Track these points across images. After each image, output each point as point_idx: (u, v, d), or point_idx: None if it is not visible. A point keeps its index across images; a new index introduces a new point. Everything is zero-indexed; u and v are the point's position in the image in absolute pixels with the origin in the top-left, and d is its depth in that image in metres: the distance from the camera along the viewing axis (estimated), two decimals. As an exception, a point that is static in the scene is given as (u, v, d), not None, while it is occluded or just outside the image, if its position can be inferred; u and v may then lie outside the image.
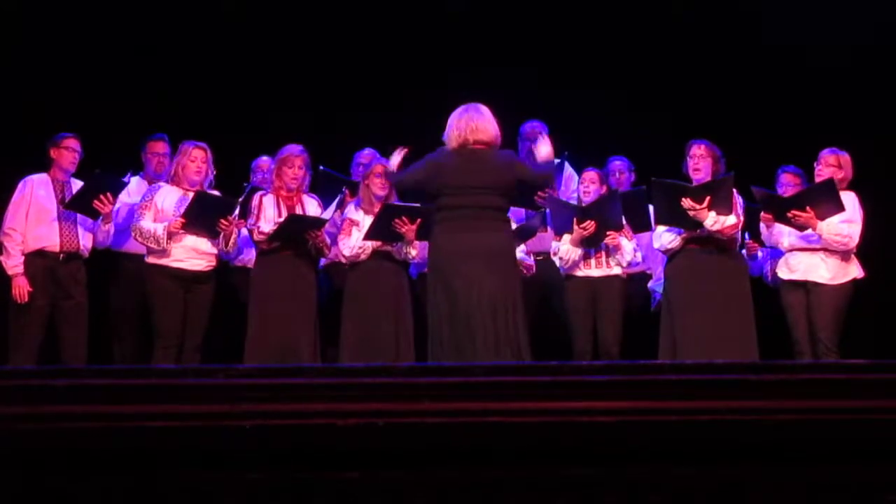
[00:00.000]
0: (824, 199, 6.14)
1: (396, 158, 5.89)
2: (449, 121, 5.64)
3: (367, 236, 6.29)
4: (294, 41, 8.04)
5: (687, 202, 6.10)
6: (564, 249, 6.52)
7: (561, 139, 7.11)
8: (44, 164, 6.47)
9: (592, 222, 6.37)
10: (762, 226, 6.46)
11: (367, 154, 6.98)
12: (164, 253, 6.26)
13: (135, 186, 6.67)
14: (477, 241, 5.44)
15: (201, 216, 6.22)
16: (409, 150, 5.87)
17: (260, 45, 8.00)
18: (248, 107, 7.87)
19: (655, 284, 6.77)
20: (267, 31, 8.02)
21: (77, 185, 6.43)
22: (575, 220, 6.41)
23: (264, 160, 6.97)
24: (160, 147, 6.79)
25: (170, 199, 6.34)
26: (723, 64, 7.95)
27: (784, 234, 6.39)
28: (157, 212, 6.31)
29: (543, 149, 5.84)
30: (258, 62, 8.00)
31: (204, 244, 6.32)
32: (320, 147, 6.88)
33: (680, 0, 8.02)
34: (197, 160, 6.35)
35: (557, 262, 6.59)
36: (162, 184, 6.46)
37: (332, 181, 6.85)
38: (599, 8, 8.06)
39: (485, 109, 5.63)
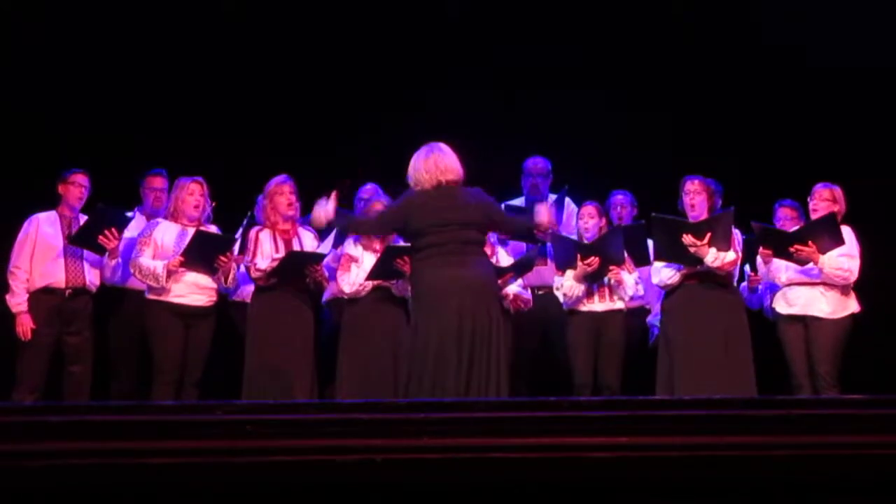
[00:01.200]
0: (825, 234, 6.15)
1: (331, 205, 5.88)
2: (413, 163, 5.72)
3: (370, 276, 6.31)
4: (293, 73, 8.10)
5: (688, 238, 6.10)
6: (568, 285, 6.52)
7: (562, 171, 7.16)
8: (51, 199, 6.50)
9: (596, 258, 6.37)
10: (759, 261, 6.47)
11: (369, 189, 6.98)
12: (164, 289, 6.26)
13: (133, 222, 6.68)
14: (462, 275, 5.52)
15: (200, 254, 6.23)
16: (339, 193, 5.91)
17: (260, 74, 8.06)
18: (247, 139, 7.92)
19: (654, 319, 6.76)
20: (264, 61, 8.08)
21: (84, 220, 6.45)
22: (579, 256, 6.41)
23: None
24: (158, 182, 6.81)
25: (169, 234, 6.35)
26: (725, 95, 8.00)
27: (782, 269, 6.38)
28: (156, 247, 6.32)
29: (542, 215, 5.92)
30: (259, 93, 8.05)
31: (204, 279, 6.33)
32: (321, 180, 6.88)
33: (683, 28, 8.06)
34: (195, 194, 6.37)
35: (561, 298, 6.59)
36: (160, 220, 6.47)
37: (336, 216, 6.84)
38: (600, 35, 8.12)
39: (446, 148, 5.73)
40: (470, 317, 5.47)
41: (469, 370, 5.42)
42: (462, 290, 5.48)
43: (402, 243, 6.26)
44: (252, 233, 6.44)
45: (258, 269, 6.30)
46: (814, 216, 6.32)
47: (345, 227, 6.15)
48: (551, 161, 7.17)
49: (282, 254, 6.30)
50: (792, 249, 6.19)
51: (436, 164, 5.66)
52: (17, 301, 6.34)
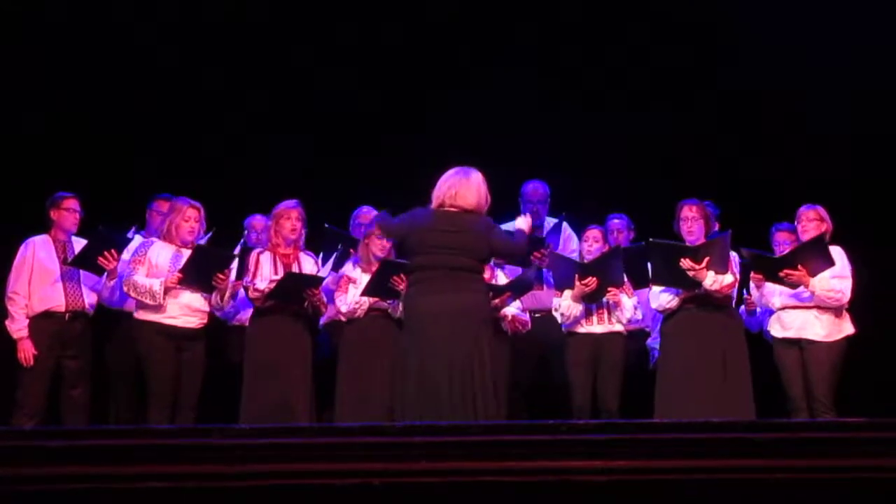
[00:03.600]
0: (814, 256, 6.15)
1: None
2: (439, 180, 5.64)
3: (365, 292, 6.30)
4: (285, 96, 8.14)
5: (686, 262, 6.10)
6: (565, 305, 6.51)
7: (559, 195, 7.18)
8: (43, 222, 6.48)
9: (594, 278, 6.37)
10: (752, 287, 6.47)
11: (365, 213, 6.99)
12: (156, 309, 6.23)
13: (136, 244, 6.66)
14: (448, 301, 5.44)
15: (198, 271, 6.19)
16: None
17: (252, 97, 8.08)
18: (240, 162, 7.94)
19: (654, 342, 6.76)
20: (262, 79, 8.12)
21: (78, 243, 6.43)
22: (577, 276, 6.41)
23: (258, 219, 6.97)
24: (166, 206, 6.79)
25: (163, 255, 6.32)
26: (722, 116, 8.04)
27: (775, 294, 6.38)
28: (150, 267, 6.27)
29: (521, 222, 5.86)
30: (251, 119, 8.08)
31: (197, 301, 6.30)
32: (317, 203, 6.90)
33: (680, 49, 8.11)
34: (190, 220, 6.34)
35: (559, 318, 6.58)
36: (154, 239, 6.45)
37: (337, 239, 6.86)
38: (597, 64, 8.16)
39: (474, 176, 5.60)
40: (454, 343, 5.39)
41: (455, 396, 5.35)
42: (448, 316, 5.41)
43: (397, 259, 6.27)
44: (252, 254, 6.44)
45: (256, 290, 6.29)
46: (804, 238, 6.33)
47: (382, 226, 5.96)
48: (550, 185, 7.17)
49: (281, 276, 6.30)
50: (782, 274, 6.20)
51: (450, 187, 5.57)
52: (18, 327, 6.32)
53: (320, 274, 6.45)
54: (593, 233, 6.69)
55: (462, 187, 5.57)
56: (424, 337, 5.44)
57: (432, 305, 5.46)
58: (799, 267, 6.15)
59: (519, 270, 6.77)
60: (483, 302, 5.67)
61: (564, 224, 7.12)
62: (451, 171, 5.64)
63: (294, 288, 6.26)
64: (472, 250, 5.55)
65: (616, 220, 7.07)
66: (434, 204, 5.61)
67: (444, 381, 5.36)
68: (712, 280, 6.13)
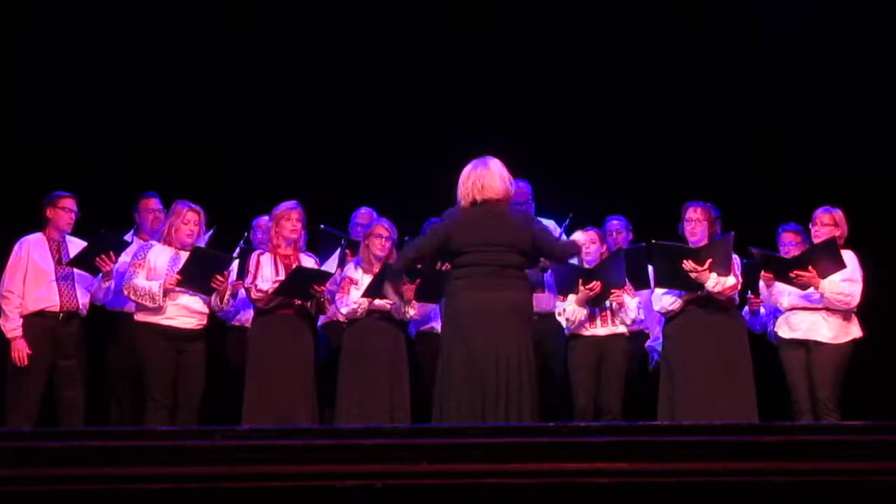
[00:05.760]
0: (826, 258, 6.15)
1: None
2: (460, 178, 5.59)
3: (366, 293, 6.29)
4: (285, 97, 8.13)
5: (689, 264, 6.10)
6: (570, 310, 6.49)
7: (558, 197, 7.18)
8: (37, 220, 6.44)
9: (598, 283, 6.36)
10: (761, 285, 6.47)
11: (364, 214, 6.99)
12: (155, 310, 6.22)
13: (135, 248, 6.64)
14: (495, 299, 5.40)
15: (197, 272, 6.18)
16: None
17: (252, 100, 8.08)
18: (242, 166, 7.94)
19: (653, 344, 6.76)
20: (260, 81, 8.12)
21: (73, 243, 6.42)
22: (581, 280, 6.39)
23: (265, 219, 6.96)
24: (153, 203, 6.78)
25: (162, 257, 6.31)
26: (722, 117, 8.04)
27: (784, 294, 6.38)
28: (149, 270, 6.27)
29: (579, 236, 6.12)
30: (251, 119, 8.08)
31: (196, 302, 6.29)
32: (315, 205, 6.90)
33: (681, 51, 8.11)
34: (190, 223, 6.33)
35: (564, 323, 6.55)
36: (153, 242, 6.45)
37: (333, 240, 6.85)
38: (596, 65, 8.17)
39: (494, 165, 5.56)
40: (496, 344, 5.37)
41: (495, 398, 5.34)
42: (492, 316, 5.38)
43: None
44: (253, 256, 6.42)
45: (259, 291, 6.28)
46: (816, 241, 6.33)
47: (403, 269, 5.94)
48: (546, 187, 7.16)
49: (282, 277, 6.28)
50: (792, 275, 6.20)
51: (474, 182, 5.52)
52: (12, 326, 6.28)
53: (325, 270, 6.43)
54: (590, 234, 6.66)
55: (486, 178, 5.52)
56: (470, 334, 5.40)
57: (478, 302, 5.41)
58: (809, 269, 6.16)
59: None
60: (527, 301, 5.63)
61: (555, 224, 7.09)
62: (468, 167, 5.59)
63: (302, 283, 6.24)
64: (515, 243, 5.50)
65: (615, 222, 7.06)
66: (466, 202, 5.54)
67: (491, 377, 5.34)
68: (714, 282, 6.12)
